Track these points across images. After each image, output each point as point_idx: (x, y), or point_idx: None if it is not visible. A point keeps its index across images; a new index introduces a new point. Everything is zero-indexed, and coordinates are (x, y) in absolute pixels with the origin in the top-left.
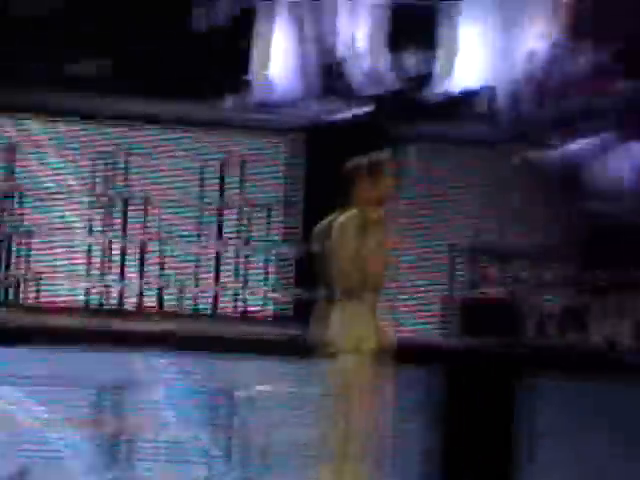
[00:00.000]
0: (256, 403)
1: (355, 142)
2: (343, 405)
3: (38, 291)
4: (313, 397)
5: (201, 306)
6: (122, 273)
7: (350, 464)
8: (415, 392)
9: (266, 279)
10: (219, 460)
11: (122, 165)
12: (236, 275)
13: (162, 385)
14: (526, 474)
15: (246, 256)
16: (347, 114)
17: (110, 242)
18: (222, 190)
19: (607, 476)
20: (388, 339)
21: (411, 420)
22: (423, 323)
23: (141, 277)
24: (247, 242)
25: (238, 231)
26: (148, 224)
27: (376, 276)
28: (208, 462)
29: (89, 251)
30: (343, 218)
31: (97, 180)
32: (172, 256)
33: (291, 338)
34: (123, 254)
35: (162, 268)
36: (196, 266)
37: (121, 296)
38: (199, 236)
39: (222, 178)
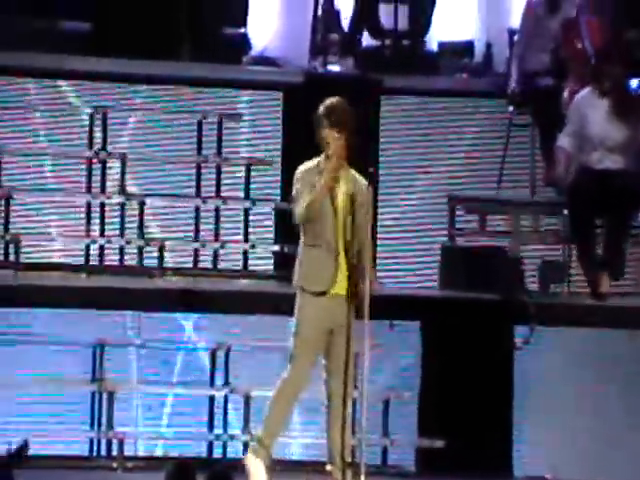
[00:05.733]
0: (254, 357)
1: (349, 96)
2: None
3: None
4: None
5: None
6: (122, 231)
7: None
8: (410, 342)
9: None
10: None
11: (118, 123)
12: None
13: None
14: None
15: (245, 212)
16: (340, 68)
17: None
18: (220, 146)
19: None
20: (357, 286)
21: (407, 370)
22: (422, 273)
23: (141, 235)
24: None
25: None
26: (146, 181)
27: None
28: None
29: (88, 209)
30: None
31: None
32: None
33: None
34: (122, 212)
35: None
36: (195, 222)
37: (121, 254)
38: (198, 192)
39: (220, 134)
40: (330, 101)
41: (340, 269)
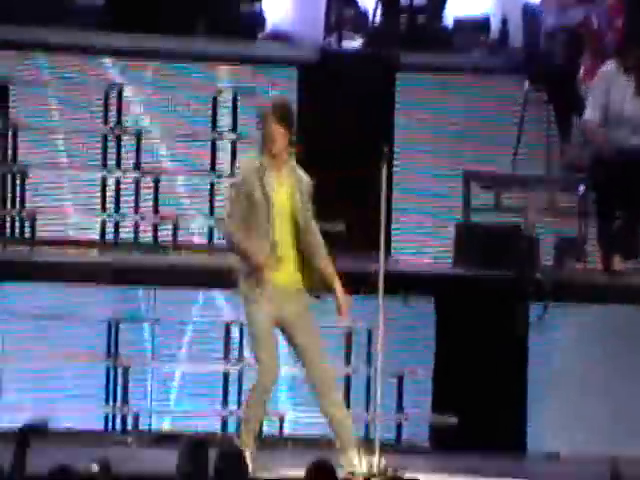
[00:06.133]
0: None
1: (364, 72)
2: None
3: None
4: None
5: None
6: (136, 207)
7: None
8: (424, 319)
9: None
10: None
11: (132, 99)
12: None
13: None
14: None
15: None
16: (355, 44)
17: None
18: (235, 123)
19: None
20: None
21: (421, 347)
22: (437, 251)
23: (155, 211)
24: None
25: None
26: (160, 157)
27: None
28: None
29: (103, 185)
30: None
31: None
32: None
33: None
34: (137, 188)
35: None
36: (210, 199)
37: (136, 230)
38: (213, 169)
39: (235, 111)
40: (275, 98)
41: (284, 264)
